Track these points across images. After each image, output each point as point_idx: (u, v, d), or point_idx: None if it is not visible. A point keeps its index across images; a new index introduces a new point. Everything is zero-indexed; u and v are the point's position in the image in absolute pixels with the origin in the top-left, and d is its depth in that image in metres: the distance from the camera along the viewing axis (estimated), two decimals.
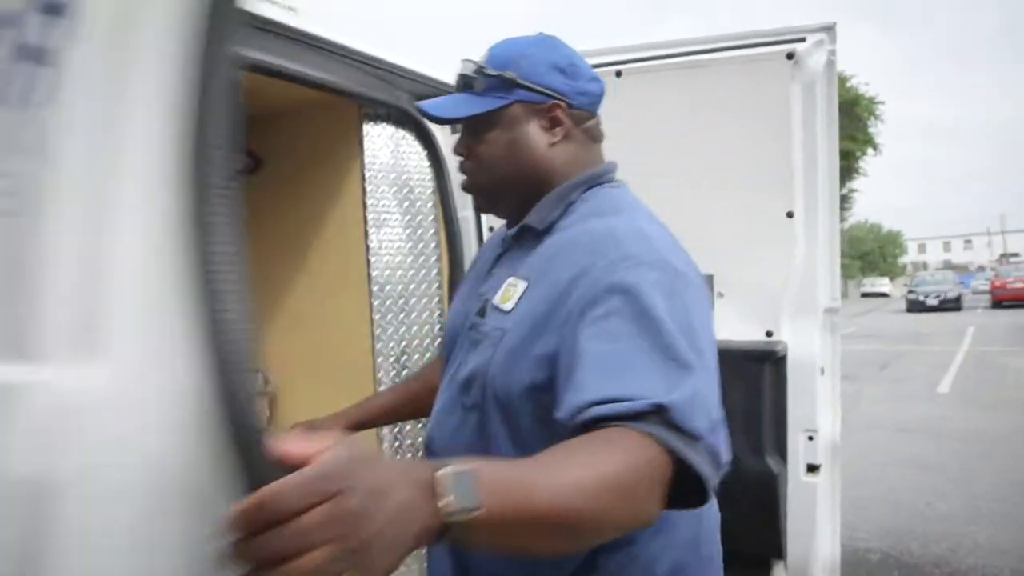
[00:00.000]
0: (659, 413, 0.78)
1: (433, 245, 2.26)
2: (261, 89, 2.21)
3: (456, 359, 1.13)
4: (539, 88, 1.10)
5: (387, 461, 0.74)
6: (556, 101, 1.11)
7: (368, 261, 2.14)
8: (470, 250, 2.17)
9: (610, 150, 1.22)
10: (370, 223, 2.15)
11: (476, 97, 1.12)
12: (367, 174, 2.16)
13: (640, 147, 1.75)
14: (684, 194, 2.01)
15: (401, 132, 2.24)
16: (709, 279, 2.09)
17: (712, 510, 1.11)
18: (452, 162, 2.17)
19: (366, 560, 0.52)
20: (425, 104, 1.16)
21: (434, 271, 2.28)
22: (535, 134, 1.12)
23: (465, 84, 1.13)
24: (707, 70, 2.11)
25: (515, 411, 0.98)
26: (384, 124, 2.21)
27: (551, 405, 0.89)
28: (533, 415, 0.97)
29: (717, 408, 0.86)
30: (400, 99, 2.14)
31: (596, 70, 1.18)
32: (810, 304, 2.10)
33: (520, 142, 1.11)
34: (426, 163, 2.24)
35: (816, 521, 2.12)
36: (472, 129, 1.15)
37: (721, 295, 2.14)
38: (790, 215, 2.06)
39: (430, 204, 2.26)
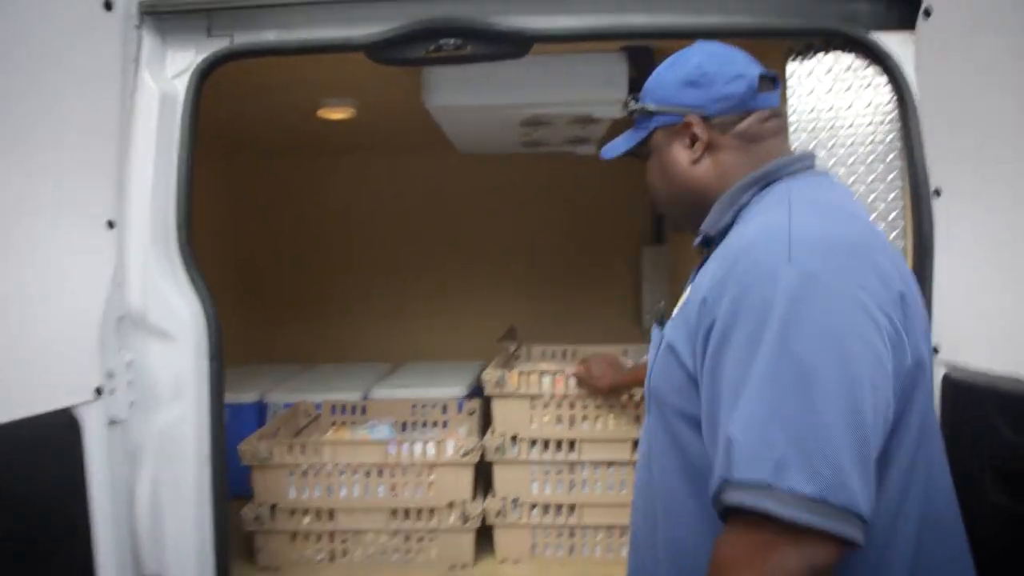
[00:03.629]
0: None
1: (892, 218, 1.62)
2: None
3: None
4: (671, 108, 1.13)
5: None
6: (689, 117, 1.11)
7: None
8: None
9: None
10: None
11: (633, 132, 1.21)
12: (791, 129, 1.68)
13: None
14: None
15: (846, 63, 1.66)
16: None
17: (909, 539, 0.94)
18: (924, 102, 1.51)
19: None
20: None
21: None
22: (678, 155, 1.14)
23: (630, 120, 1.22)
24: None
25: (672, 419, 1.03)
26: (819, 58, 1.68)
27: (696, 413, 0.97)
28: (686, 421, 1.00)
29: (797, 428, 0.81)
30: (850, 20, 1.60)
31: None
32: None
33: (667, 166, 1.16)
34: (885, 105, 1.62)
35: None
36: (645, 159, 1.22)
37: None
38: None
39: (892, 165, 1.62)
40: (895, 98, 1.59)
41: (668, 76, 1.14)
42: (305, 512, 2.15)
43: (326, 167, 3.77)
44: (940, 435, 1.00)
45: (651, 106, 1.15)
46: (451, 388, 2.90)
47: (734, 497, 0.82)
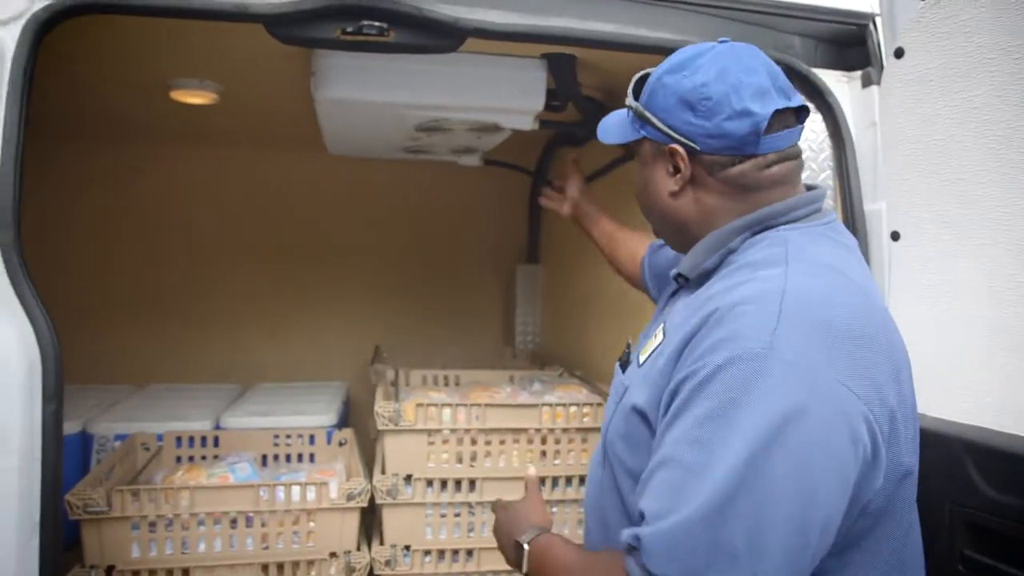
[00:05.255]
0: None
1: None
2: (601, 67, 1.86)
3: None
4: (662, 127, 0.98)
5: (516, 521, 1.14)
6: (675, 144, 0.97)
7: None
8: (880, 255, 1.49)
9: None
10: None
11: (628, 124, 1.05)
12: None
13: None
14: None
15: None
16: None
17: None
18: (859, 134, 1.53)
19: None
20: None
21: None
22: (660, 178, 1.02)
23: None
24: None
25: (622, 478, 0.98)
26: None
27: None
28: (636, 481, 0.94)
29: (722, 547, 0.76)
30: (789, 52, 1.58)
31: None
32: None
33: (650, 184, 1.04)
34: (819, 136, 1.61)
35: None
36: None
37: None
38: None
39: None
40: (831, 135, 1.58)
41: (671, 84, 0.97)
42: (152, 574, 1.77)
43: (169, 158, 3.28)
44: (918, 530, 0.96)
45: (646, 113, 1.01)
46: (317, 416, 2.59)
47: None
